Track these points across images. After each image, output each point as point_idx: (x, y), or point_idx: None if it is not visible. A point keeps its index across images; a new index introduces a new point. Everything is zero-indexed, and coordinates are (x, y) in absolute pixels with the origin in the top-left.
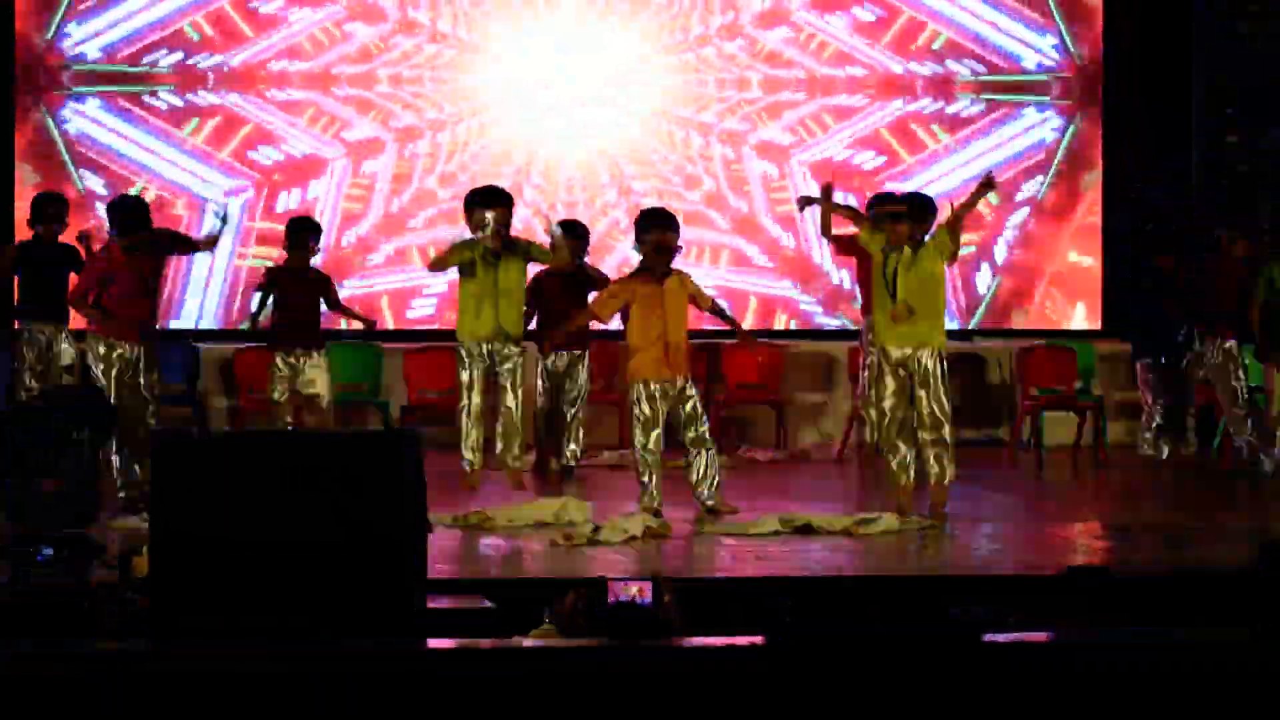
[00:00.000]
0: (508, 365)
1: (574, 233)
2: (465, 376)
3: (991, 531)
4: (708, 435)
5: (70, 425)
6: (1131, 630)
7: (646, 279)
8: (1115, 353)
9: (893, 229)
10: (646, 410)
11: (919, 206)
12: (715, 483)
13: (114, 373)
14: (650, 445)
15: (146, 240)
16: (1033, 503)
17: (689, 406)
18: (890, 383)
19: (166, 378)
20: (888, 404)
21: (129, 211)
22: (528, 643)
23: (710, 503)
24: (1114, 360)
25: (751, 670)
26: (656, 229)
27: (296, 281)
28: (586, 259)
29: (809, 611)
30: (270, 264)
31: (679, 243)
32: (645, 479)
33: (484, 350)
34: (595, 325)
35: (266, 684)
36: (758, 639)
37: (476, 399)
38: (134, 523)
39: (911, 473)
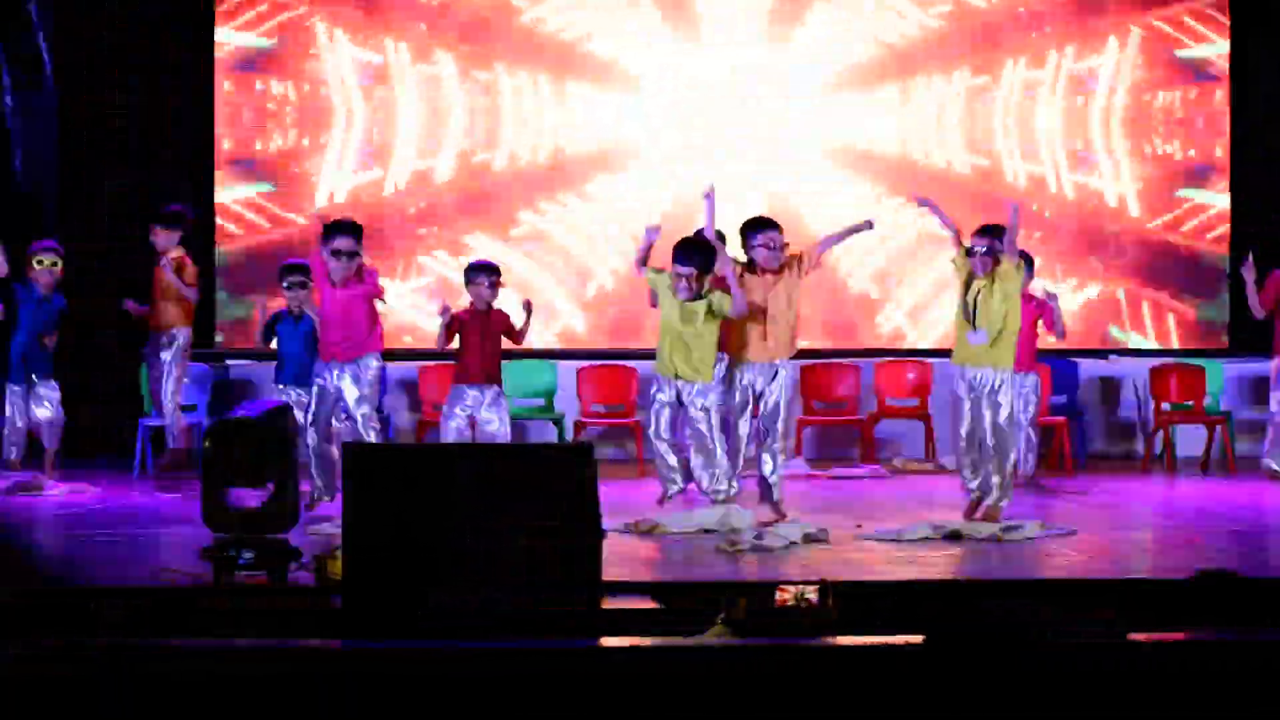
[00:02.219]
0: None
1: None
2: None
3: (1123, 538)
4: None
5: (272, 436)
6: (1260, 631)
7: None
8: (1244, 370)
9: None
10: None
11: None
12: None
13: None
14: None
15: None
16: (1164, 511)
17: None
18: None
19: None
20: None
21: None
22: (703, 642)
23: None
24: (1243, 378)
25: (912, 669)
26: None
27: (476, 321)
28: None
29: (959, 613)
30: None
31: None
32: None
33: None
34: None
35: (453, 682)
36: (917, 638)
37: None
38: (328, 529)
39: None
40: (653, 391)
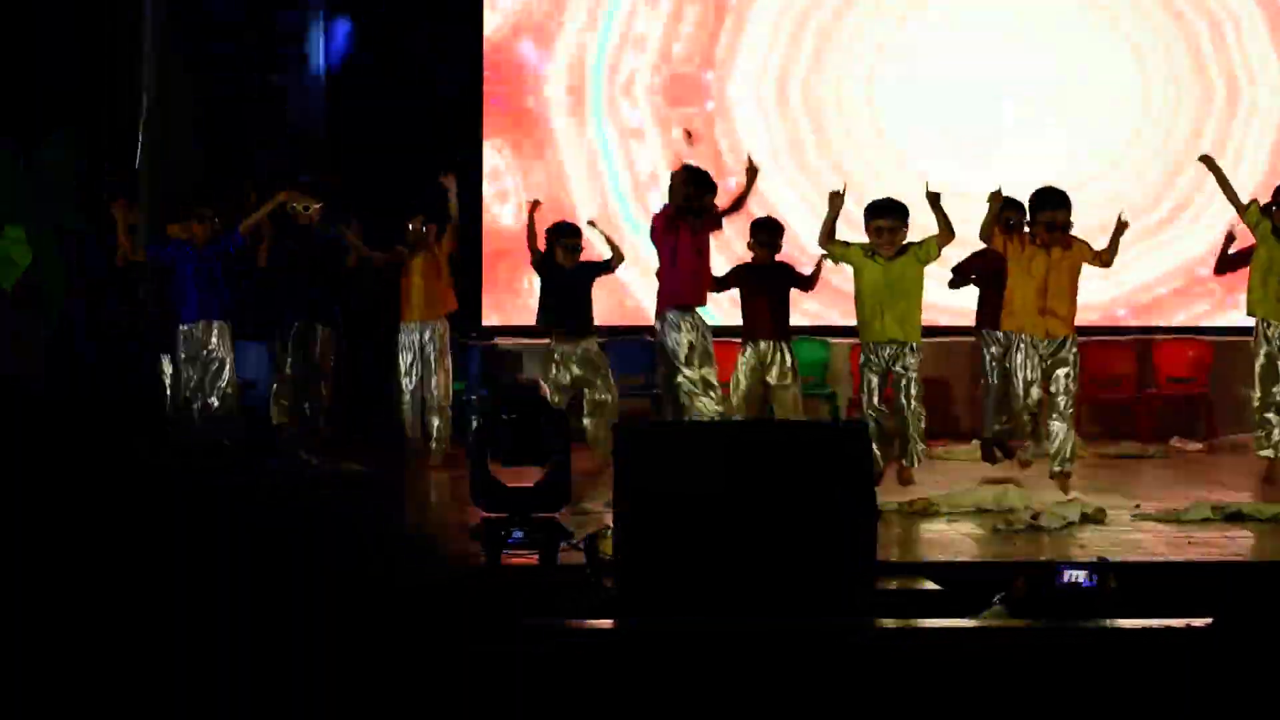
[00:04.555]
0: None
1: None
2: None
3: None
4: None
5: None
6: None
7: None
8: None
9: None
10: None
11: None
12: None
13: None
14: None
15: None
16: None
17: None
18: None
19: (624, 370)
20: None
21: None
22: (982, 623)
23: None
24: None
25: (1199, 652)
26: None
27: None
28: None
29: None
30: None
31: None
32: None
33: None
34: None
35: (726, 663)
36: (1205, 621)
37: None
38: (598, 507)
39: None
40: (860, 364)
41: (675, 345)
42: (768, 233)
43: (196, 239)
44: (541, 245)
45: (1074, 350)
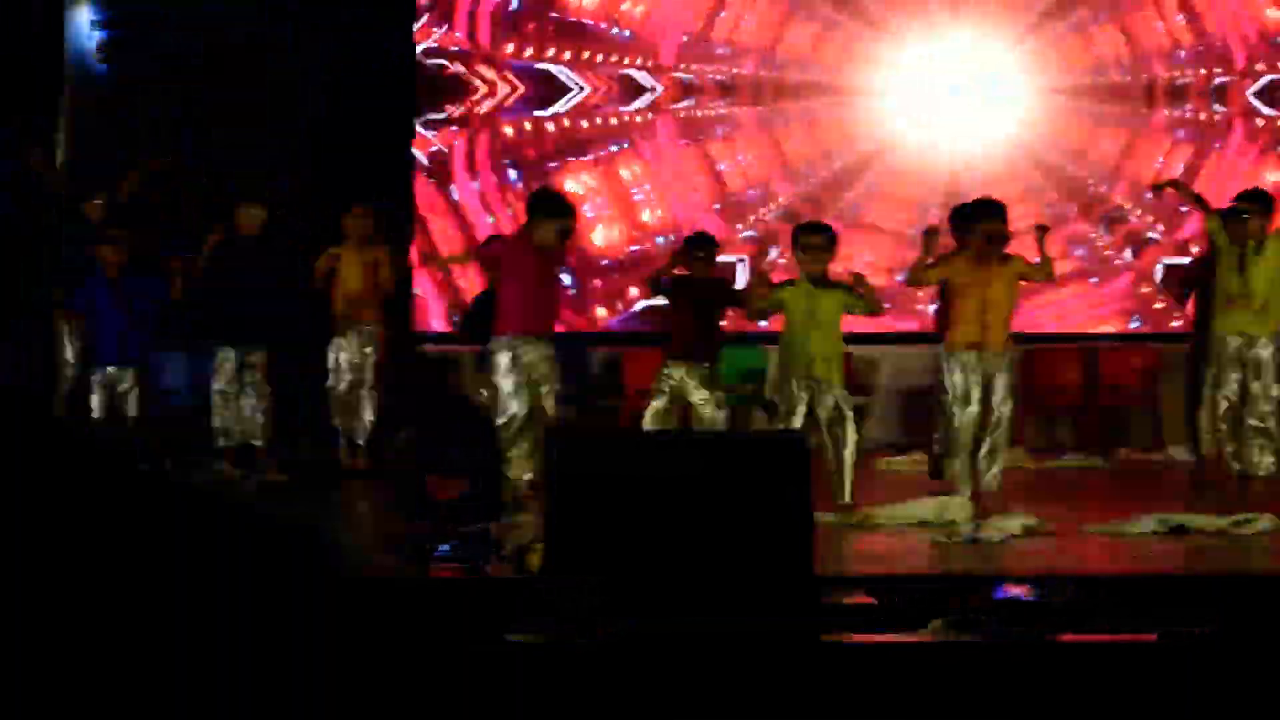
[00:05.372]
0: None
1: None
2: None
3: None
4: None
5: (471, 427)
6: None
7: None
8: None
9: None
10: None
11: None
12: None
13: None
14: None
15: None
16: None
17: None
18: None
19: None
20: None
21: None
22: (920, 638)
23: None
24: None
25: (1140, 667)
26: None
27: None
28: None
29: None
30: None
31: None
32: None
33: None
34: None
35: (657, 679)
36: (1149, 635)
37: None
38: (527, 519)
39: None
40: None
41: None
42: (705, 248)
43: (107, 266)
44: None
45: (1010, 368)
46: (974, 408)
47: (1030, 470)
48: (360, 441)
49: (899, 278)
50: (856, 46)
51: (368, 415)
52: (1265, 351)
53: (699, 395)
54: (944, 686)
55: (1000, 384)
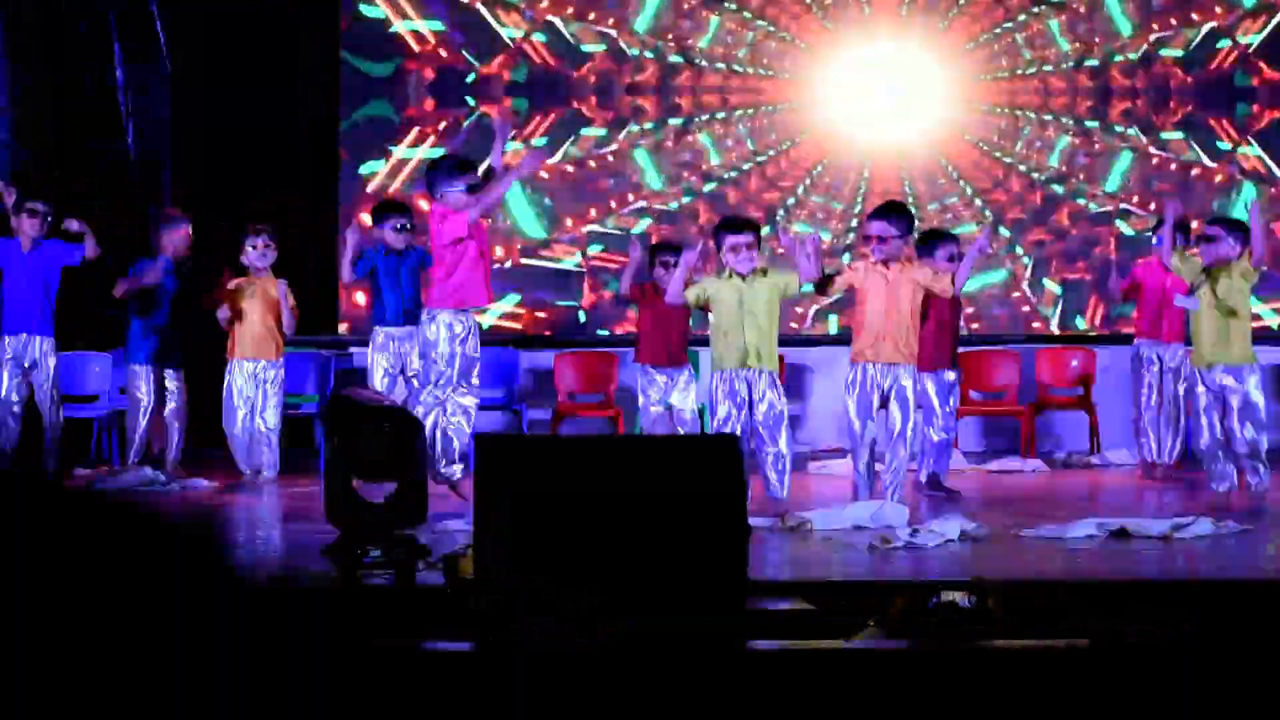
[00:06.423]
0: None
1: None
2: None
3: None
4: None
5: (399, 427)
6: None
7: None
8: None
9: None
10: None
11: None
12: None
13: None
14: None
15: None
16: None
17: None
18: None
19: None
20: None
21: None
22: (854, 644)
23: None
24: None
25: (1077, 673)
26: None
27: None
28: None
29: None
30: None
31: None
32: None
33: None
34: None
35: (590, 684)
36: (1084, 641)
37: None
38: (457, 525)
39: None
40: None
41: None
42: (674, 254)
43: (23, 238)
44: None
45: (911, 378)
46: (873, 417)
47: (967, 474)
48: (261, 464)
49: (806, 288)
50: (786, 47)
51: (265, 437)
52: (1231, 379)
53: (680, 398)
54: (878, 693)
55: (902, 396)
